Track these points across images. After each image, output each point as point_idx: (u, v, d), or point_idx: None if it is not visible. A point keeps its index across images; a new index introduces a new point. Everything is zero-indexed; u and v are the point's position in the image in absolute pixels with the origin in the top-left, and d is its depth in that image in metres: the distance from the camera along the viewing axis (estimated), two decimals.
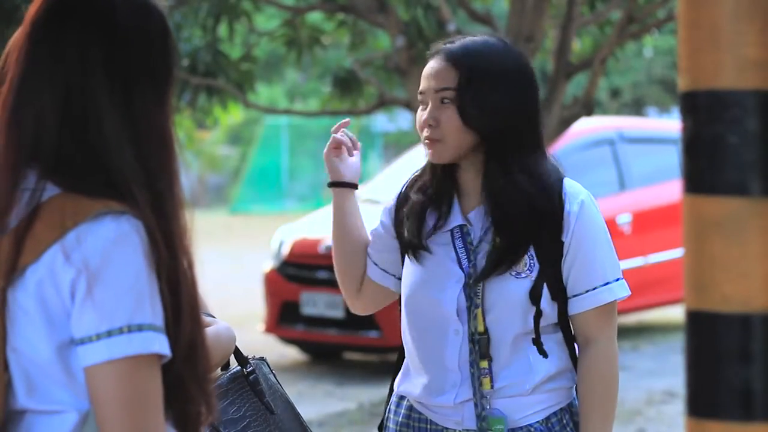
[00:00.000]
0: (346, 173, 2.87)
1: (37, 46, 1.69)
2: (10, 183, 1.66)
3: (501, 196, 2.64)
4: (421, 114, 2.69)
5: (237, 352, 2.50)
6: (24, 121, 1.68)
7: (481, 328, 2.63)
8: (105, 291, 1.59)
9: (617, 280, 2.69)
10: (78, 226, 1.61)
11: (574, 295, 2.66)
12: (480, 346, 2.63)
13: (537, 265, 2.63)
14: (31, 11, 1.72)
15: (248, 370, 2.52)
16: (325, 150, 2.89)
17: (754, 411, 1.24)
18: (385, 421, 2.83)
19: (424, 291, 2.69)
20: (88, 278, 1.59)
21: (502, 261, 2.62)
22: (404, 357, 2.81)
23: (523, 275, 2.63)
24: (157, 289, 1.63)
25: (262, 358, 2.60)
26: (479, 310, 2.63)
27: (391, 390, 2.84)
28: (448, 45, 2.71)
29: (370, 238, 2.86)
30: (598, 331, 2.68)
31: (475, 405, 2.64)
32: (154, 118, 1.70)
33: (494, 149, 2.65)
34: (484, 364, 2.63)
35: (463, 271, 2.65)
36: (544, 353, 2.66)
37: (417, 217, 2.70)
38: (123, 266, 1.60)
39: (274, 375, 2.60)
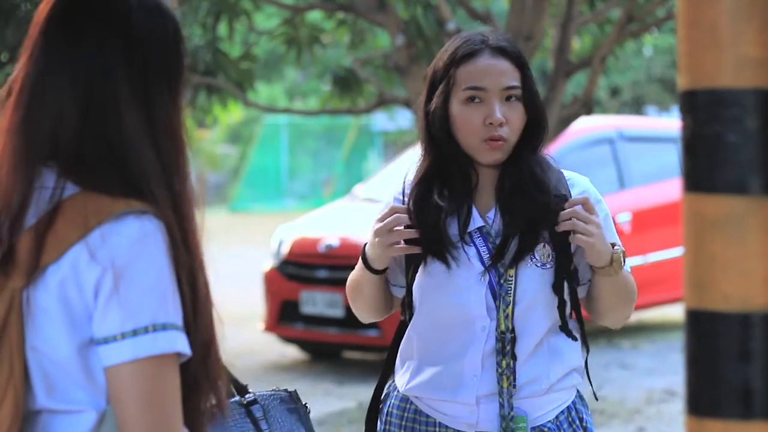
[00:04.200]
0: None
1: (54, 45, 1.69)
2: (26, 182, 1.66)
3: (521, 189, 2.64)
4: (481, 111, 2.62)
5: (235, 382, 2.31)
6: (41, 119, 1.67)
7: (510, 325, 2.63)
8: (130, 290, 1.60)
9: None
10: (102, 225, 1.61)
11: (589, 279, 2.71)
12: (507, 344, 2.63)
13: (553, 254, 2.65)
14: (43, 10, 1.72)
15: (248, 399, 2.31)
16: (389, 243, 2.65)
17: (754, 409, 1.24)
18: (384, 424, 2.80)
19: (450, 292, 2.66)
20: (115, 276, 1.59)
21: (524, 246, 2.63)
22: (395, 357, 2.80)
23: (548, 266, 2.65)
24: (177, 288, 1.63)
25: (287, 391, 2.38)
26: (510, 308, 2.63)
27: (380, 389, 2.82)
28: (497, 41, 2.67)
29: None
30: None
31: (501, 405, 2.63)
32: (170, 117, 1.71)
33: (524, 144, 2.66)
34: (509, 362, 2.63)
35: (487, 268, 2.64)
36: (573, 337, 2.68)
37: (439, 224, 2.66)
38: (147, 265, 1.61)
39: (300, 410, 2.36)
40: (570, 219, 2.57)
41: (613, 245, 2.62)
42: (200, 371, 1.68)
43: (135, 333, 1.60)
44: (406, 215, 2.64)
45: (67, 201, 1.64)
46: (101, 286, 1.60)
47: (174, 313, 1.62)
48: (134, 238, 1.61)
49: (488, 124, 2.60)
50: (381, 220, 2.64)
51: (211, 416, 1.74)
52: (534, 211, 2.63)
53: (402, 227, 2.63)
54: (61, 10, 1.70)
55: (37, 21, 1.72)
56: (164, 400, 1.61)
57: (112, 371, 1.61)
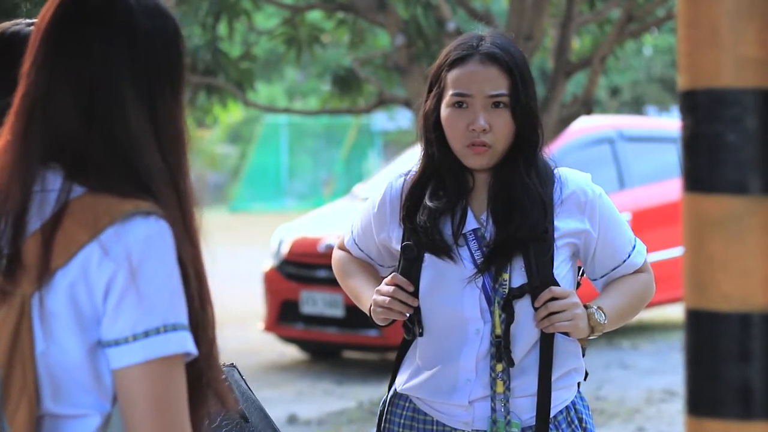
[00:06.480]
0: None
1: (58, 51, 1.69)
2: (26, 187, 1.65)
3: (510, 198, 2.64)
4: (466, 116, 2.64)
5: None
6: (45, 124, 1.67)
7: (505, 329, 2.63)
8: (143, 290, 1.60)
9: (634, 247, 2.78)
10: (114, 224, 1.61)
11: (603, 275, 2.76)
12: (500, 348, 2.63)
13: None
14: (45, 15, 1.71)
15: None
16: (382, 312, 2.70)
17: (754, 409, 1.24)
18: (383, 422, 2.82)
19: (444, 294, 2.67)
20: (130, 272, 1.59)
21: (514, 254, 2.63)
22: (404, 356, 2.80)
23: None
24: (183, 287, 1.64)
25: (232, 365, 2.51)
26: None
27: (390, 389, 2.83)
28: (488, 46, 2.67)
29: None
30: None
31: (493, 409, 2.64)
32: (173, 116, 1.72)
33: (516, 150, 2.66)
34: (500, 367, 2.64)
35: (479, 271, 2.64)
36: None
37: (436, 223, 2.67)
38: (157, 266, 1.61)
39: (245, 382, 2.52)
40: (547, 316, 2.60)
41: (586, 306, 2.64)
42: (205, 369, 1.69)
43: (146, 334, 1.59)
44: (405, 292, 2.66)
45: (74, 202, 1.63)
46: (112, 286, 1.60)
47: (182, 313, 1.63)
48: (143, 239, 1.61)
49: (471, 130, 2.62)
50: (381, 293, 2.68)
51: (212, 415, 1.74)
52: (520, 227, 2.62)
53: (399, 299, 2.66)
54: (63, 16, 1.70)
55: (39, 27, 1.71)
56: (174, 401, 1.61)
57: (122, 373, 1.61)
